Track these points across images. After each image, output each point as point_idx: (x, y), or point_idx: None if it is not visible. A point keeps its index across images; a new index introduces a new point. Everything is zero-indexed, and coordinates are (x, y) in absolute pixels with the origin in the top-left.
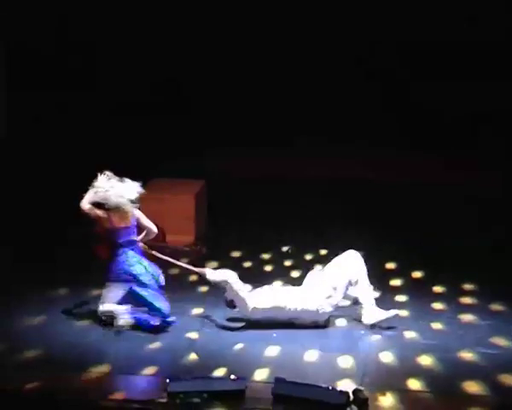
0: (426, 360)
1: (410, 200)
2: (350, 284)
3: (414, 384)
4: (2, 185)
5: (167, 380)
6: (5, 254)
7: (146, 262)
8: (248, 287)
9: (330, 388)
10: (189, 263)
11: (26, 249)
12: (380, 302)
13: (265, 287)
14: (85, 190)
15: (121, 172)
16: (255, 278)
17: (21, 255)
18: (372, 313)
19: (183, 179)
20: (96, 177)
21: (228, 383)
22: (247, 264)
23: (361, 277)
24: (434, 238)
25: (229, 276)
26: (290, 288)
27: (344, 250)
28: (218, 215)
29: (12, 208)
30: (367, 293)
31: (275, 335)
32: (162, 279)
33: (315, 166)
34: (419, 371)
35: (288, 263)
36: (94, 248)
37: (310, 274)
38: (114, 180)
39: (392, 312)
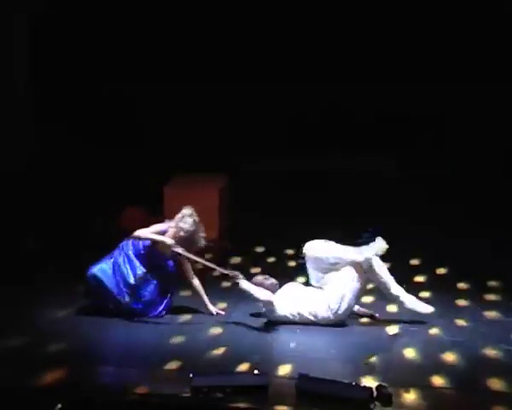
0: (449, 357)
1: (435, 194)
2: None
3: (437, 381)
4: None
5: (191, 375)
6: (32, 250)
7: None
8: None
9: (354, 384)
10: (213, 258)
11: (52, 244)
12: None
13: (286, 288)
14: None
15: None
16: (278, 273)
17: (48, 250)
18: (413, 300)
19: (207, 174)
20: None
21: (251, 379)
22: (271, 259)
23: (383, 276)
24: (458, 234)
25: (274, 298)
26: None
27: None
28: (243, 210)
29: (40, 207)
30: (395, 286)
31: (298, 331)
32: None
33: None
34: (443, 368)
35: None
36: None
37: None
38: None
39: (431, 308)
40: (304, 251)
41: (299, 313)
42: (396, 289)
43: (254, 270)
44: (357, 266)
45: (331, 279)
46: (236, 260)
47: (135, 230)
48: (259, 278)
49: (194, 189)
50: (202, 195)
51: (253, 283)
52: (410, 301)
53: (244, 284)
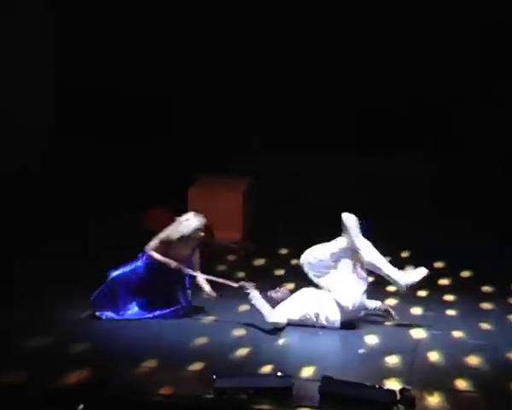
0: (473, 360)
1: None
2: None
3: (461, 384)
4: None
5: (214, 376)
6: (53, 251)
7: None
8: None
9: (377, 386)
10: (237, 260)
11: (73, 246)
12: (428, 302)
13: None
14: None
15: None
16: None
17: (68, 252)
18: (404, 275)
19: (231, 176)
20: None
21: (275, 380)
22: (295, 261)
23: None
24: (481, 237)
25: (277, 319)
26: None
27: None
28: (267, 212)
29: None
30: (385, 265)
31: (321, 333)
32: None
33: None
34: (466, 371)
35: None
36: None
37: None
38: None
39: (424, 270)
40: (301, 263)
41: (309, 317)
42: (387, 269)
43: (278, 272)
44: (352, 255)
45: (334, 280)
46: (260, 261)
47: (160, 230)
48: (272, 293)
49: (218, 190)
50: (226, 196)
51: (264, 296)
52: (402, 277)
53: (254, 297)
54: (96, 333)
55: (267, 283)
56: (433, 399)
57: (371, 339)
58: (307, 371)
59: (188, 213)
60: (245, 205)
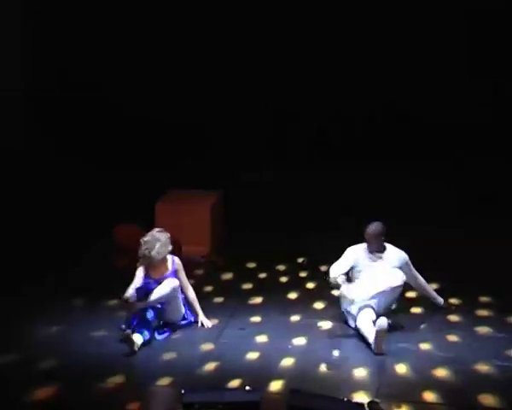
0: (441, 373)
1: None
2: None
3: (429, 396)
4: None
5: (182, 391)
6: (22, 264)
7: None
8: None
9: (346, 399)
10: (205, 274)
11: (44, 259)
12: (396, 315)
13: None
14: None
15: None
16: (269, 288)
17: (39, 264)
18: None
19: (199, 190)
20: None
21: (243, 395)
22: (262, 275)
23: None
24: (450, 250)
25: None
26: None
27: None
28: (235, 226)
29: (33, 218)
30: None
31: (290, 346)
32: None
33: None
34: (434, 384)
35: (303, 274)
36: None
37: None
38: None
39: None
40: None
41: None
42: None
43: (246, 286)
44: None
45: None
46: (228, 275)
47: (128, 246)
48: None
49: (185, 204)
50: (194, 210)
51: None
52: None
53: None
54: (63, 348)
55: (235, 297)
56: None
57: (339, 351)
58: (275, 385)
59: (151, 231)
60: (213, 219)
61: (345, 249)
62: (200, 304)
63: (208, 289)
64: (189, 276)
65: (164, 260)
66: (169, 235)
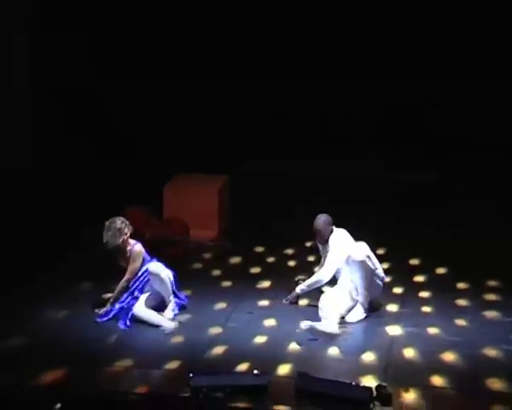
0: (449, 357)
1: (435, 196)
2: None
3: (437, 381)
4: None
5: (190, 374)
6: (29, 250)
7: None
8: None
9: (353, 383)
10: (212, 258)
11: (49, 247)
12: (403, 299)
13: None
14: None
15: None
16: (279, 272)
17: (45, 252)
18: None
19: (207, 174)
20: None
21: (251, 378)
22: (271, 259)
23: None
24: (459, 234)
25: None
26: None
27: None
28: (243, 210)
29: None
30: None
31: (297, 330)
32: None
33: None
34: (442, 368)
35: (311, 258)
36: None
37: None
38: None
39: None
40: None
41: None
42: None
43: (254, 270)
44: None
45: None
46: (236, 260)
47: (137, 229)
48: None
49: (193, 188)
50: (202, 194)
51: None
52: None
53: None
54: (71, 333)
55: (243, 281)
56: (409, 395)
57: (348, 336)
58: (283, 369)
59: (115, 220)
60: (220, 203)
61: (352, 234)
62: (208, 288)
63: (216, 273)
64: (197, 260)
65: (123, 247)
66: (122, 220)
